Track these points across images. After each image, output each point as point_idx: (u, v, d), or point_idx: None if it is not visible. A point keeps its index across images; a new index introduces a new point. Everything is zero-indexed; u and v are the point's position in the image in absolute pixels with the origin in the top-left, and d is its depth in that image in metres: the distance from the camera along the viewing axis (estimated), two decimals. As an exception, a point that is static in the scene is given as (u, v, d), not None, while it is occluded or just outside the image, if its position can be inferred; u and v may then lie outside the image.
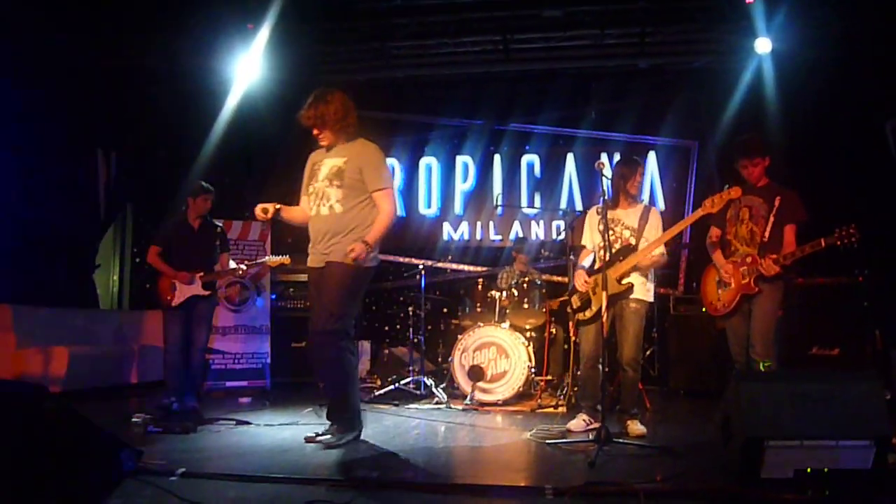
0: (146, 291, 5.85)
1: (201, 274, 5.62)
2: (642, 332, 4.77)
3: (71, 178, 7.81)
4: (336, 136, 4.37)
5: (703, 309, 6.88)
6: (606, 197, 4.63)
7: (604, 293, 4.33)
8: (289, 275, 7.82)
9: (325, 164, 4.34)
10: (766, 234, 4.45)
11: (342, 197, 4.24)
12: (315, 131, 4.35)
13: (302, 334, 7.61)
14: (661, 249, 4.76)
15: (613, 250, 4.77)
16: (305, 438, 4.29)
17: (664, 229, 4.76)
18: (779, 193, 4.52)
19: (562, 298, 6.65)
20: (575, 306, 4.97)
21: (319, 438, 4.24)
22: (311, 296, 4.48)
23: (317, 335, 4.19)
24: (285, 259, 5.92)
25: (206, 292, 5.65)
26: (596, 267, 4.89)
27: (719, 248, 4.71)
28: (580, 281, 4.91)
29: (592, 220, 5.04)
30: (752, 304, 4.45)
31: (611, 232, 4.86)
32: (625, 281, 4.66)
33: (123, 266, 9.02)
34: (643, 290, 4.75)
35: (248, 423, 5.01)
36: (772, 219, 4.46)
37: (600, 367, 4.88)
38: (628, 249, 4.71)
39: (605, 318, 4.40)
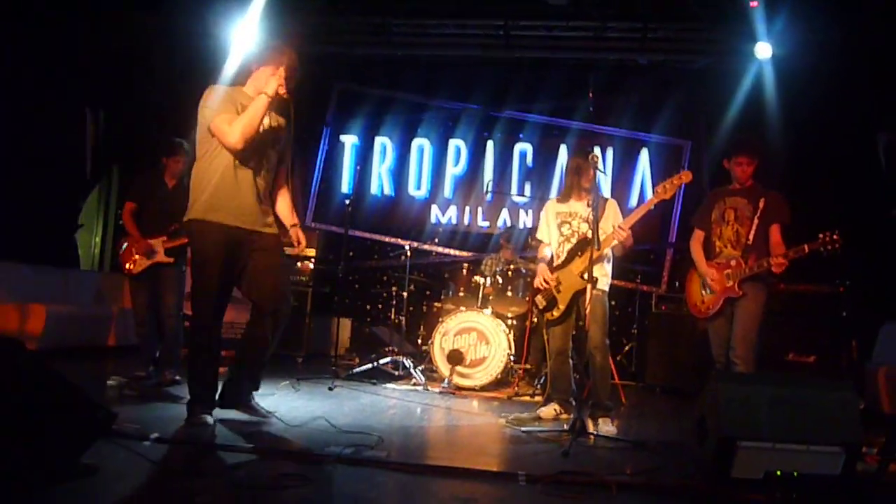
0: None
1: (164, 239, 5.32)
2: (606, 316, 4.73)
3: (57, 133, 7.68)
4: None
5: (686, 309, 6.99)
6: (598, 191, 4.62)
7: (588, 291, 4.31)
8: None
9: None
10: (751, 236, 4.47)
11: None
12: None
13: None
14: (615, 242, 4.66)
15: (570, 245, 4.78)
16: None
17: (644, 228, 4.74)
18: (763, 195, 4.53)
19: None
20: (541, 306, 4.92)
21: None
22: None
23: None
24: None
25: (169, 259, 5.33)
26: (556, 262, 4.86)
27: (702, 251, 4.70)
28: (541, 278, 4.85)
29: (549, 213, 5.00)
30: (735, 307, 4.46)
31: (567, 226, 4.86)
32: (586, 276, 4.52)
33: (106, 228, 8.92)
34: (602, 281, 4.69)
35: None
36: (756, 220, 4.47)
37: (570, 360, 4.91)
38: (586, 243, 4.65)
39: (587, 308, 4.37)
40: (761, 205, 4.48)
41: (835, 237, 4.13)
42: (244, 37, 7.46)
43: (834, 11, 6.79)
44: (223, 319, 4.20)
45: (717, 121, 7.90)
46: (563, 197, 4.97)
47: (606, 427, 4.50)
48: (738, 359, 4.34)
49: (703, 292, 4.64)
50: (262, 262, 4.00)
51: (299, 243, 4.24)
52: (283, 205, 4.29)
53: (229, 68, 7.60)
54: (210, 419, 3.84)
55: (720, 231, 4.62)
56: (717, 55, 7.87)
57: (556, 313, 4.81)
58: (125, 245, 5.44)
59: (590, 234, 4.54)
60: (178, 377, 5.29)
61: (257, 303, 4.06)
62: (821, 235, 4.17)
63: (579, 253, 4.72)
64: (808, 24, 6.89)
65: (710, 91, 8.16)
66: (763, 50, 7.06)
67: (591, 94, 8.47)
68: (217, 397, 4.02)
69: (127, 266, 5.36)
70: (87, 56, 7.50)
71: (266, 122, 3.94)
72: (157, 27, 7.65)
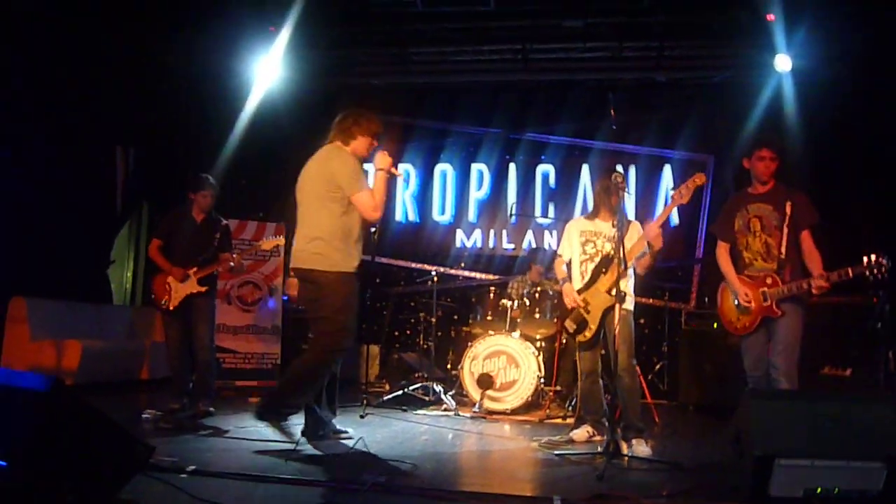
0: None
1: (195, 269, 5.41)
2: (633, 336, 4.69)
3: (89, 172, 7.87)
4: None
5: (715, 325, 6.91)
6: (623, 213, 4.60)
7: (616, 311, 4.29)
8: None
9: None
10: (783, 249, 4.22)
11: None
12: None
13: (312, 336, 7.64)
14: (644, 249, 4.63)
15: (593, 264, 4.78)
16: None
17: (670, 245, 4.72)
18: (788, 197, 4.28)
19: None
20: (571, 330, 4.88)
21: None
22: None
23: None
24: (279, 240, 5.82)
25: (203, 288, 5.42)
26: (581, 283, 4.85)
27: (731, 263, 4.46)
28: (571, 299, 4.82)
29: (573, 230, 4.99)
30: (773, 324, 4.23)
31: (591, 245, 4.86)
32: (615, 292, 4.53)
33: (137, 262, 9.08)
34: (627, 302, 4.67)
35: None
36: (786, 229, 4.22)
37: (601, 381, 4.88)
38: (610, 260, 4.65)
39: (616, 329, 4.35)
40: (788, 210, 4.22)
41: (881, 261, 3.88)
42: (266, 72, 7.63)
43: (854, 22, 6.74)
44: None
45: (738, 134, 7.85)
46: (590, 216, 4.98)
47: (641, 448, 4.46)
48: (783, 376, 4.10)
49: (738, 312, 4.37)
50: None
51: None
52: None
53: (251, 103, 7.79)
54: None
55: (747, 242, 4.37)
56: (735, 69, 7.85)
57: (588, 334, 4.78)
58: (155, 281, 5.53)
59: (613, 253, 4.50)
60: (211, 409, 5.35)
61: None
62: (865, 259, 3.91)
63: (604, 270, 4.71)
64: (828, 35, 6.85)
65: (730, 105, 8.12)
66: (783, 62, 7.03)
67: (612, 112, 8.45)
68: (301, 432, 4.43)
69: (164, 300, 5.42)
70: (116, 95, 7.68)
71: None
72: (182, 65, 7.82)
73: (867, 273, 3.93)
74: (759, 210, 4.35)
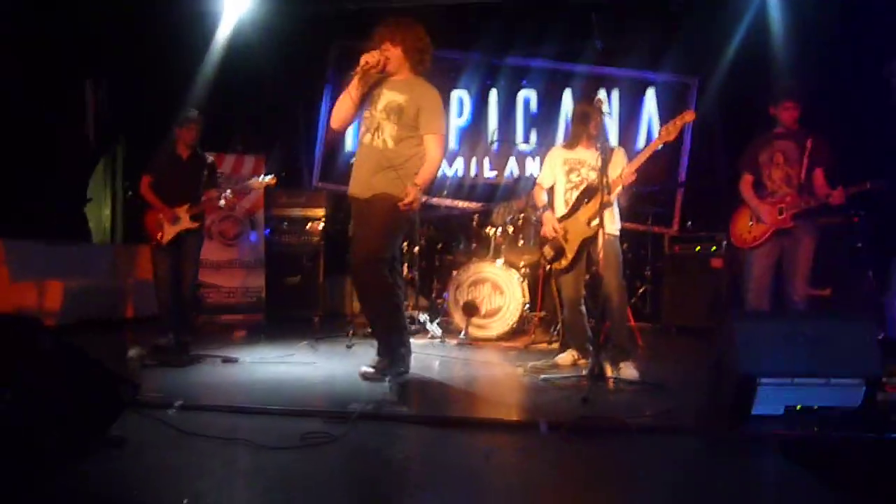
0: (139, 225, 5.72)
1: (188, 206, 5.44)
2: (620, 259, 4.70)
3: (59, 108, 7.63)
4: (403, 68, 4.29)
5: (698, 248, 6.97)
6: (605, 137, 4.55)
7: (599, 237, 4.29)
8: (283, 209, 7.75)
9: (385, 96, 4.25)
10: (803, 175, 4.61)
11: (396, 133, 4.19)
12: (381, 55, 4.19)
13: (296, 269, 7.62)
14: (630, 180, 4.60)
15: (577, 192, 4.73)
16: (361, 374, 4.21)
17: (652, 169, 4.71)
18: (809, 135, 4.66)
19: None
20: (549, 257, 4.89)
21: (366, 370, 4.20)
22: (354, 224, 4.47)
23: (360, 265, 4.21)
24: (271, 180, 5.74)
25: (195, 224, 5.49)
26: (564, 211, 4.81)
27: (754, 193, 4.81)
28: (549, 227, 4.80)
29: (556, 158, 4.91)
30: (787, 246, 4.62)
31: (576, 173, 4.79)
32: (594, 223, 4.55)
33: (115, 199, 8.91)
34: (611, 226, 4.65)
35: (235, 359, 4.93)
36: (805, 161, 4.61)
37: (583, 308, 4.91)
38: (593, 190, 4.61)
39: (601, 253, 4.36)
40: (809, 144, 4.61)
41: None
42: (236, 1, 7.35)
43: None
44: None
45: (724, 55, 7.72)
46: (570, 144, 4.88)
47: (629, 371, 4.49)
48: (800, 297, 4.52)
49: (751, 223, 4.77)
50: None
51: None
52: None
53: (223, 31, 7.52)
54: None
55: (769, 172, 4.76)
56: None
57: (564, 262, 4.79)
58: (147, 217, 5.51)
59: (597, 182, 4.51)
60: (189, 338, 5.41)
61: None
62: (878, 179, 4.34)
63: (586, 200, 4.66)
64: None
65: (716, 24, 7.94)
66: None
67: (598, 46, 8.29)
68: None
69: (156, 236, 5.44)
70: (83, 26, 7.39)
71: None
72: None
73: (881, 187, 4.32)
74: (783, 146, 4.77)
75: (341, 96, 4.30)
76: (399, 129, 4.19)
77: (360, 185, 4.30)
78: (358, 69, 4.12)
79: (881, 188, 4.31)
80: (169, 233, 5.43)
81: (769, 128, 4.91)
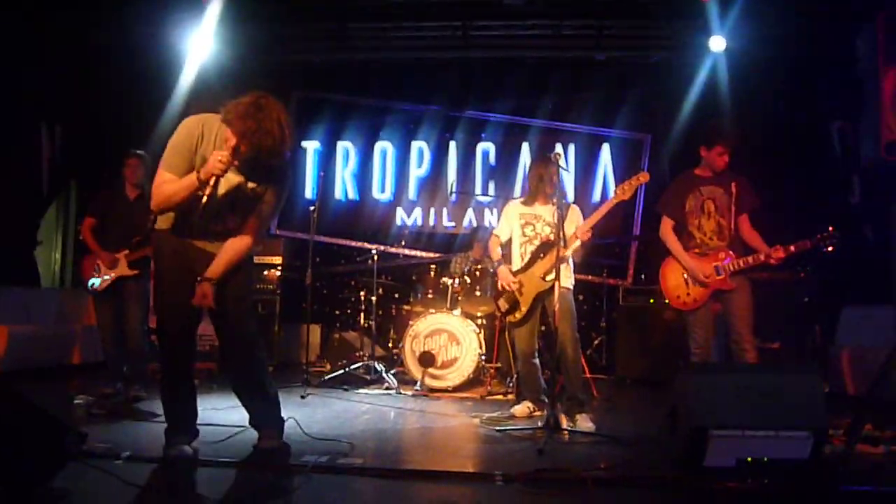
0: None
1: (126, 252, 5.23)
2: (573, 311, 4.76)
3: (12, 151, 7.49)
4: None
5: (652, 301, 7.07)
6: (561, 189, 4.64)
7: (556, 290, 4.32)
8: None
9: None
10: (733, 227, 4.49)
11: None
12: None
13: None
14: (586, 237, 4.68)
15: (532, 247, 4.82)
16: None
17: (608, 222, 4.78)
18: (732, 179, 4.53)
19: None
20: (503, 309, 4.95)
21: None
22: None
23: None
24: None
25: (133, 272, 5.24)
26: (519, 265, 4.88)
27: (678, 241, 4.60)
28: (506, 280, 4.85)
29: (512, 212, 5.01)
30: (724, 298, 4.47)
31: (531, 228, 4.90)
32: (549, 277, 4.63)
33: (66, 243, 8.73)
34: (566, 280, 4.73)
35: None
36: (733, 208, 4.48)
37: (536, 360, 4.95)
38: (548, 245, 4.71)
39: (556, 305, 4.39)
40: (734, 190, 4.48)
41: (831, 231, 4.19)
42: (199, 47, 7.37)
43: (786, 4, 6.92)
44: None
45: (675, 113, 7.99)
46: (528, 201, 4.98)
47: (585, 422, 4.54)
48: (748, 344, 4.37)
49: (688, 286, 4.54)
50: None
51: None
52: None
53: (185, 79, 7.52)
54: (188, 449, 3.43)
55: (699, 223, 4.56)
56: (672, 49, 7.96)
57: (518, 315, 4.86)
58: (84, 263, 5.35)
59: (553, 237, 4.59)
60: (143, 393, 5.20)
61: None
62: (819, 235, 4.23)
63: (542, 255, 4.75)
64: (762, 18, 7.00)
65: (667, 84, 8.25)
66: (717, 43, 7.14)
67: (550, 105, 8.57)
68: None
69: (91, 282, 5.25)
70: (41, 71, 7.33)
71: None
72: (112, 39, 7.51)
73: (821, 244, 4.22)
74: (712, 192, 4.57)
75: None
76: None
77: None
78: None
79: (822, 244, 4.22)
80: (107, 278, 5.25)
81: (690, 167, 4.75)
